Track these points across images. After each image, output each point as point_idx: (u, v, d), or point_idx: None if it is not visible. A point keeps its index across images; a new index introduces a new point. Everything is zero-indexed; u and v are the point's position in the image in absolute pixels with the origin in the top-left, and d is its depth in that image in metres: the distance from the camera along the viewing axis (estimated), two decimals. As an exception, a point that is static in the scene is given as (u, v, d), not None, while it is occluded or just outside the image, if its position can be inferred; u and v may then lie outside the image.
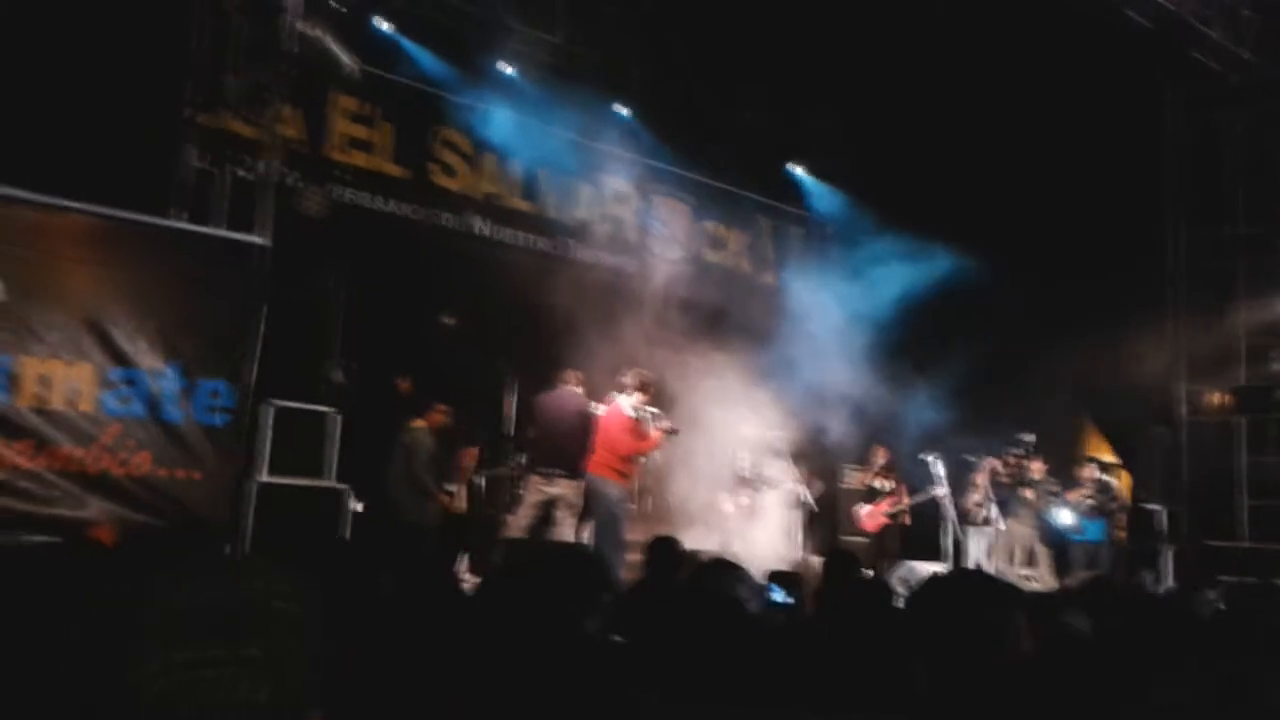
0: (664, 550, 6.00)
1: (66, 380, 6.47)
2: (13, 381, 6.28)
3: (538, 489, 8.54)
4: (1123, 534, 10.88)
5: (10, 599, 3.31)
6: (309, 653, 1.32)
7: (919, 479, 10.88)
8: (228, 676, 1.24)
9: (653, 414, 8.71)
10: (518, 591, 4.62)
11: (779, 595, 4.74)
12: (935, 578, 4.93)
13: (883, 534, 11.15)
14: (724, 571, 5.69)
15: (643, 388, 8.67)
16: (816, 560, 8.51)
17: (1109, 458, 11.83)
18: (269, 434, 7.34)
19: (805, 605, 5.30)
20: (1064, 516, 10.71)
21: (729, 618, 4.50)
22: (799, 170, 13.35)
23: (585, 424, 8.59)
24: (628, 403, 8.64)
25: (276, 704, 1.26)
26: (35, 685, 2.52)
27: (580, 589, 4.67)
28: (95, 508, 6.43)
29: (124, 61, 7.58)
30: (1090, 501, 10.77)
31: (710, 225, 12.77)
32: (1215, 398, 12.42)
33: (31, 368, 6.35)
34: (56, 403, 6.42)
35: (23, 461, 6.22)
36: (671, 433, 8.82)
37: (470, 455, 9.23)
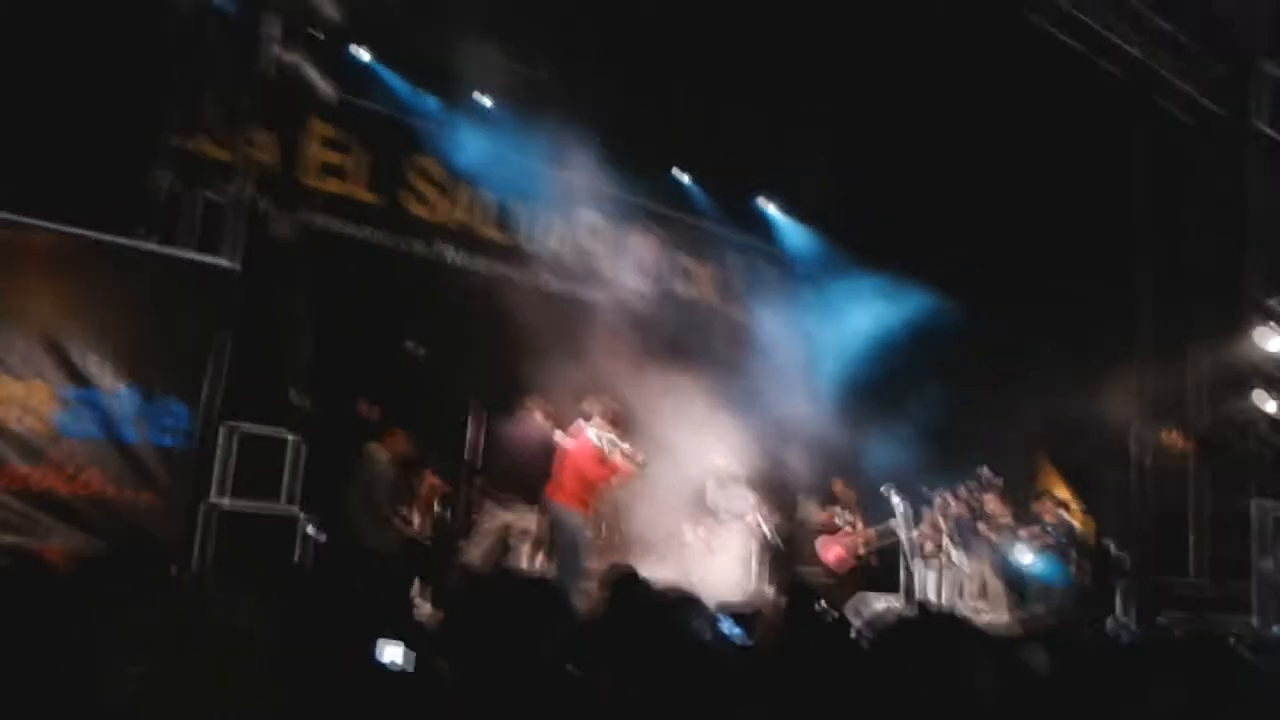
0: (621, 581, 6.00)
1: (19, 398, 6.42)
2: (-37, 397, 6.23)
3: (496, 516, 8.52)
4: (1078, 571, 10.94)
5: None
6: (268, 671, 1.34)
7: (878, 513, 10.93)
8: (186, 690, 1.25)
9: (617, 445, 8.72)
10: (476, 619, 4.60)
11: (729, 627, 4.74)
12: (903, 621, 4.96)
13: (847, 570, 11.17)
14: (681, 604, 5.70)
15: (611, 418, 8.69)
16: (772, 593, 8.52)
17: (1065, 495, 11.92)
18: (230, 457, 7.30)
19: (760, 640, 5.30)
20: (1020, 552, 10.77)
21: (684, 651, 4.51)
22: (770, 207, 13.46)
23: (547, 452, 8.59)
24: (594, 432, 8.65)
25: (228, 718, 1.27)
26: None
27: (537, 618, 4.66)
28: (44, 528, 6.37)
29: (99, 82, 7.59)
30: (1046, 538, 10.83)
31: (681, 258, 12.84)
32: (1175, 439, 12.57)
33: (-15, 384, 6.31)
34: (9, 420, 6.37)
35: (-27, 480, 6.17)
36: (639, 464, 8.82)
37: (430, 482, 9.19)
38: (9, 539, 6.25)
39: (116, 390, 6.78)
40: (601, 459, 8.59)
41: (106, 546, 6.44)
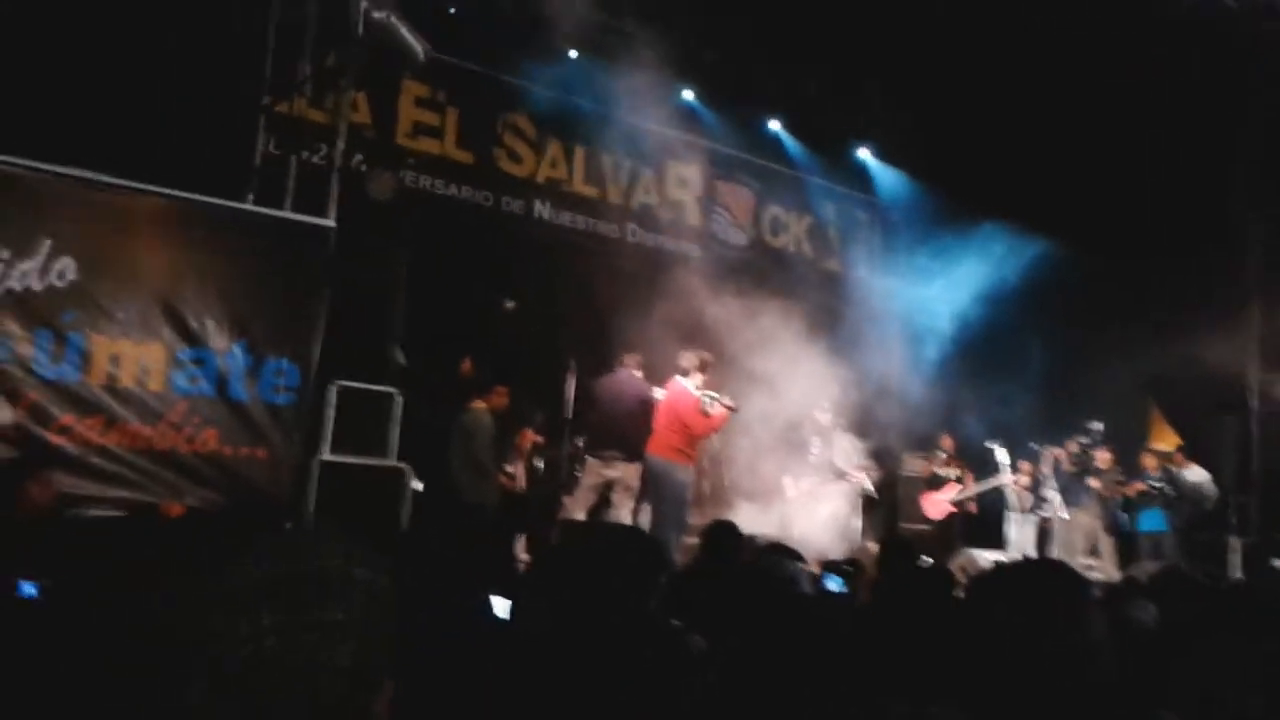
0: (722, 535, 5.99)
1: (137, 359, 6.63)
2: (85, 359, 6.46)
3: (596, 472, 8.57)
4: (1189, 523, 10.59)
5: (84, 571, 3.40)
6: (386, 622, 1.35)
7: (985, 468, 10.72)
8: (313, 640, 1.27)
9: (712, 396, 8.69)
10: (573, 571, 4.64)
11: (834, 584, 4.69)
12: (1000, 566, 4.84)
13: (947, 522, 11.02)
14: (781, 557, 5.67)
15: (702, 368, 8.65)
16: (874, 548, 8.43)
17: (1177, 446, 11.53)
18: (332, 413, 7.45)
19: (860, 594, 5.25)
20: (1130, 506, 10.48)
21: (784, 603, 4.48)
22: (865, 154, 13.18)
23: (644, 407, 8.59)
24: (691, 384, 8.63)
25: (357, 669, 1.29)
26: (114, 655, 2.59)
27: (635, 571, 4.68)
28: (163, 483, 6.60)
29: (201, 48, 7.74)
30: (1157, 491, 10.51)
31: (774, 210, 12.67)
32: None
33: (103, 346, 6.53)
34: (126, 380, 6.59)
35: (93, 437, 6.41)
36: (733, 410, 8.78)
37: (528, 437, 9.29)
38: (134, 496, 6.48)
39: (228, 350, 6.95)
40: (700, 410, 8.56)
41: (225, 501, 6.69)
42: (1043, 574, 4.07)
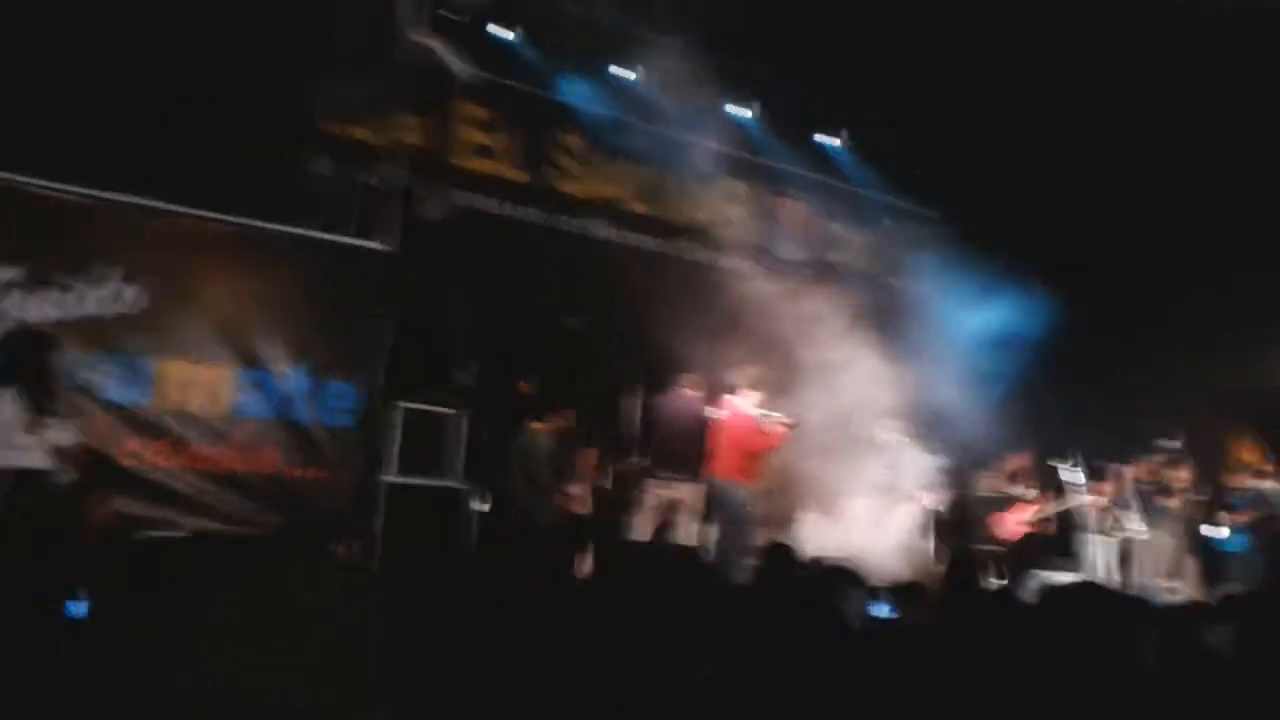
0: (777, 557, 5.92)
1: (202, 383, 6.76)
2: (153, 384, 6.59)
3: (657, 493, 8.53)
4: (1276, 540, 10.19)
5: (152, 591, 3.42)
6: (364, 655, 1.34)
7: (1058, 486, 10.46)
8: (269, 681, 1.27)
9: (769, 414, 8.60)
10: (635, 591, 4.61)
11: (884, 610, 4.62)
12: (1053, 589, 4.69)
13: (1021, 543, 10.77)
14: (836, 581, 5.57)
15: (756, 385, 8.58)
16: (938, 566, 8.27)
17: (1261, 461, 11.12)
18: (397, 435, 7.53)
19: (916, 617, 5.15)
20: (1213, 526, 10.13)
21: (829, 628, 4.38)
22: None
23: (702, 427, 8.54)
24: (747, 402, 8.56)
25: (328, 706, 1.28)
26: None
27: (695, 591, 4.63)
28: (228, 504, 6.70)
29: (257, 74, 7.89)
30: (1241, 508, 10.15)
31: (833, 225, 12.55)
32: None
33: (171, 370, 6.67)
34: (192, 404, 6.71)
35: (160, 461, 6.53)
36: (790, 427, 8.68)
37: (590, 457, 9.27)
38: (200, 519, 6.59)
39: (288, 373, 7.06)
40: (756, 428, 8.49)
41: (283, 522, 6.76)
42: (1089, 600, 3.92)
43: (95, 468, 6.13)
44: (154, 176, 6.88)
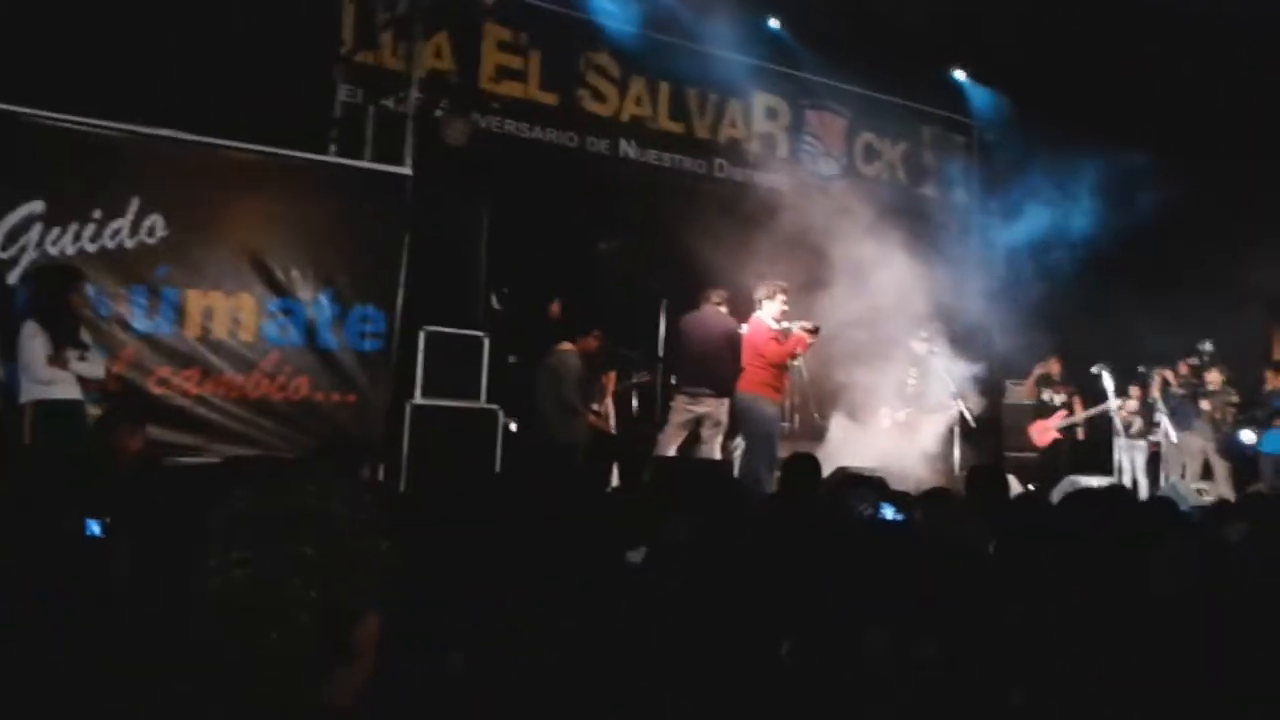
0: (799, 468, 5.95)
1: (228, 310, 6.86)
2: (179, 312, 6.71)
3: (684, 409, 8.55)
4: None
5: (180, 518, 3.53)
6: (365, 556, 1.37)
7: (1091, 392, 10.35)
8: (279, 573, 1.30)
9: (790, 323, 8.56)
10: (662, 504, 4.69)
11: (889, 512, 4.66)
12: (1076, 493, 4.68)
13: (1054, 449, 10.72)
14: (851, 488, 5.60)
15: (776, 296, 8.54)
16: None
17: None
18: (422, 358, 7.59)
19: (941, 522, 5.16)
20: (1246, 429, 9.98)
21: (847, 532, 4.43)
22: (960, 75, 12.66)
23: (730, 343, 8.51)
24: (767, 314, 8.54)
25: (329, 601, 1.31)
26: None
27: (720, 503, 4.69)
28: (260, 430, 6.85)
29: (277, 1, 7.86)
30: (1274, 411, 9.97)
31: (866, 137, 12.31)
32: None
33: (196, 299, 6.78)
34: (219, 332, 6.83)
35: (190, 388, 6.67)
36: (812, 332, 8.64)
37: (612, 376, 9.35)
38: (232, 445, 6.74)
39: (315, 299, 7.13)
40: (777, 338, 8.47)
41: (317, 446, 6.90)
42: (1112, 502, 3.91)
43: (125, 397, 6.30)
44: (174, 107, 6.92)
